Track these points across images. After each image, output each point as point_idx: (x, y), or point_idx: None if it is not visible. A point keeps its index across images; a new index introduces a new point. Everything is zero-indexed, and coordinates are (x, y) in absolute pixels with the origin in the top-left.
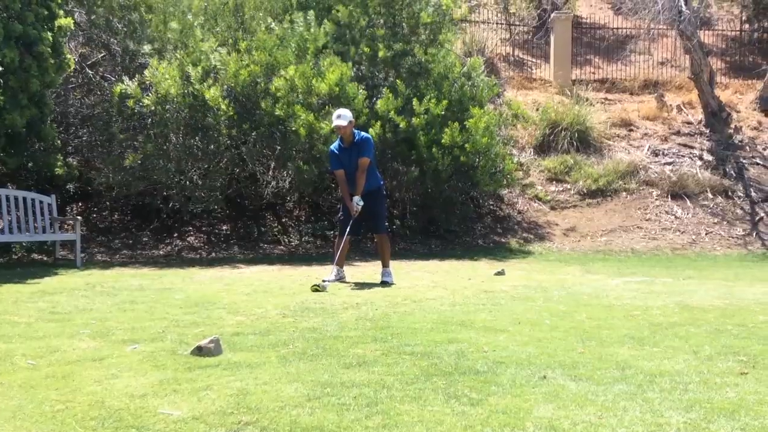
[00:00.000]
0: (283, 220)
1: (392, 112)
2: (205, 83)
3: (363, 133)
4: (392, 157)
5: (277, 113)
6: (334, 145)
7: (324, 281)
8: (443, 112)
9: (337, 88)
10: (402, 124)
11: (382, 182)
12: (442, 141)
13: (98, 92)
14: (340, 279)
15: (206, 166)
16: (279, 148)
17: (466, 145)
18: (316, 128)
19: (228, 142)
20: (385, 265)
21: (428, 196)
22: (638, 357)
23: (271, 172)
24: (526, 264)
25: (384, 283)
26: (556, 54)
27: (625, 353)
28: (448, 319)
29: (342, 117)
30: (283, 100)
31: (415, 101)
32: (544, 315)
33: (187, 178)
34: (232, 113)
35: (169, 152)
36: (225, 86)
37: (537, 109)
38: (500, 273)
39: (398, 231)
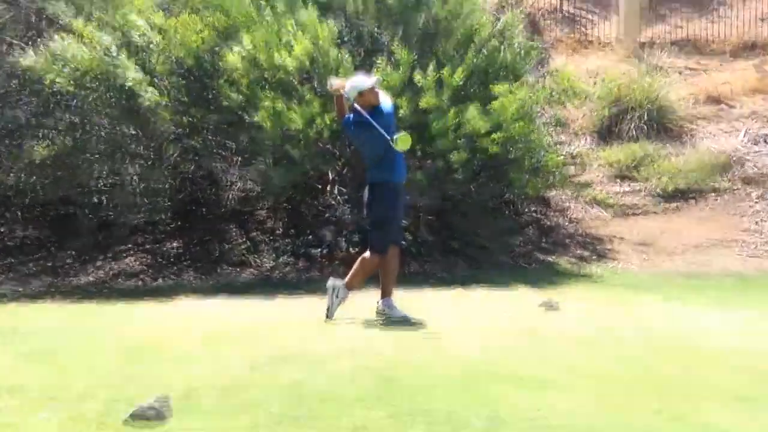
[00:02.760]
0: (253, 234)
1: (393, 86)
2: (140, 54)
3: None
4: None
5: (232, 98)
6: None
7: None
8: (461, 83)
9: (306, 60)
10: (404, 105)
11: (390, 180)
12: (461, 127)
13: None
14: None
15: (146, 162)
16: (243, 140)
17: (496, 134)
18: (286, 118)
19: (176, 130)
20: (386, 294)
21: (448, 202)
22: (746, 426)
23: (235, 170)
24: (584, 292)
25: (386, 319)
26: (623, 7)
27: (727, 419)
28: (478, 371)
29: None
30: (241, 80)
31: (417, 73)
32: (612, 364)
33: (122, 179)
34: (184, 94)
35: (96, 145)
36: (170, 57)
37: (595, 83)
38: (549, 305)
39: (409, 248)
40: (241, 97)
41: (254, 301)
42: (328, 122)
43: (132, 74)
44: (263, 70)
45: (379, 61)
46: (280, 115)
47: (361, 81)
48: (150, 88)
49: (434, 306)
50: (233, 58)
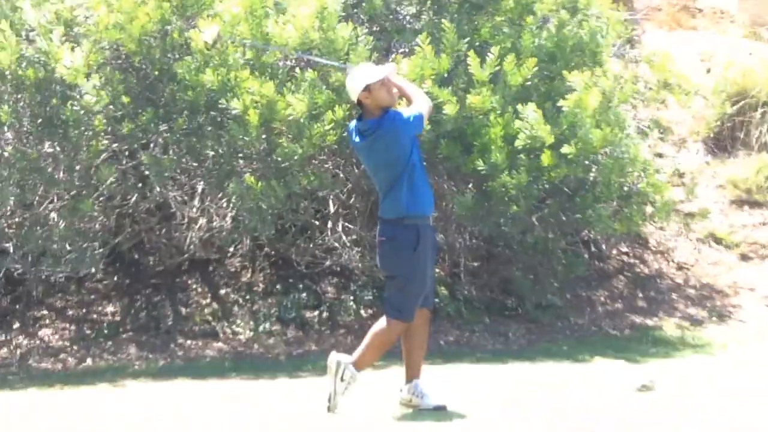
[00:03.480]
0: (222, 292)
1: (430, 80)
2: (67, 42)
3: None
4: (429, 167)
5: (205, 83)
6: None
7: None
8: (528, 81)
9: (315, 35)
10: (448, 107)
11: (412, 210)
12: (514, 137)
13: None
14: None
15: (69, 192)
16: (212, 153)
17: (569, 146)
18: (279, 110)
19: (113, 146)
20: (413, 376)
21: (500, 241)
22: None
23: (197, 201)
24: (697, 368)
25: (414, 411)
26: None
27: None
28: None
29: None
30: (215, 61)
31: (472, 56)
32: None
33: (38, 216)
34: (121, 94)
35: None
36: (105, 45)
37: (708, 70)
38: (646, 388)
39: (444, 308)
40: (213, 80)
41: (224, 387)
42: (339, 117)
43: (68, 61)
44: (243, 47)
45: (416, 42)
46: (271, 103)
47: (368, 71)
48: (91, 81)
49: (479, 390)
50: (200, 39)
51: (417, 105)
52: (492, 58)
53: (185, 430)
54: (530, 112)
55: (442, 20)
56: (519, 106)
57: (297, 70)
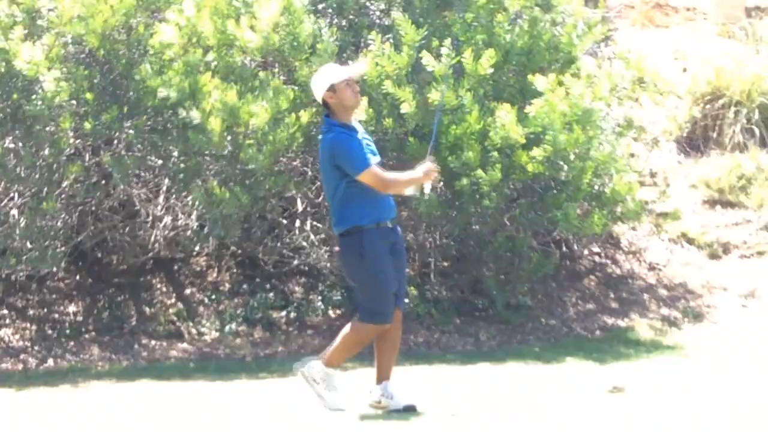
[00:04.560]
0: (188, 292)
1: (390, 79)
2: (29, 35)
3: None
4: (399, 164)
5: (161, 92)
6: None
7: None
8: (489, 72)
9: (275, 37)
10: (406, 104)
11: (350, 223)
12: (491, 136)
13: None
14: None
15: (33, 189)
16: (175, 155)
17: (539, 147)
18: (241, 116)
19: (76, 143)
20: (384, 377)
21: (470, 241)
22: None
23: (162, 199)
24: (670, 370)
25: (382, 409)
26: None
27: None
28: None
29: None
30: (176, 65)
31: (424, 54)
32: None
33: None
34: (84, 89)
35: None
36: (69, 39)
37: (685, 69)
38: (617, 390)
39: (414, 308)
40: (172, 89)
41: (189, 389)
42: (304, 122)
43: (27, 55)
44: (205, 47)
45: (371, 38)
46: (233, 110)
47: (333, 71)
48: (52, 73)
49: (449, 392)
50: (164, 33)
51: (378, 180)
52: (447, 52)
53: (141, 427)
54: (503, 113)
55: (404, 14)
56: (493, 105)
57: (260, 73)
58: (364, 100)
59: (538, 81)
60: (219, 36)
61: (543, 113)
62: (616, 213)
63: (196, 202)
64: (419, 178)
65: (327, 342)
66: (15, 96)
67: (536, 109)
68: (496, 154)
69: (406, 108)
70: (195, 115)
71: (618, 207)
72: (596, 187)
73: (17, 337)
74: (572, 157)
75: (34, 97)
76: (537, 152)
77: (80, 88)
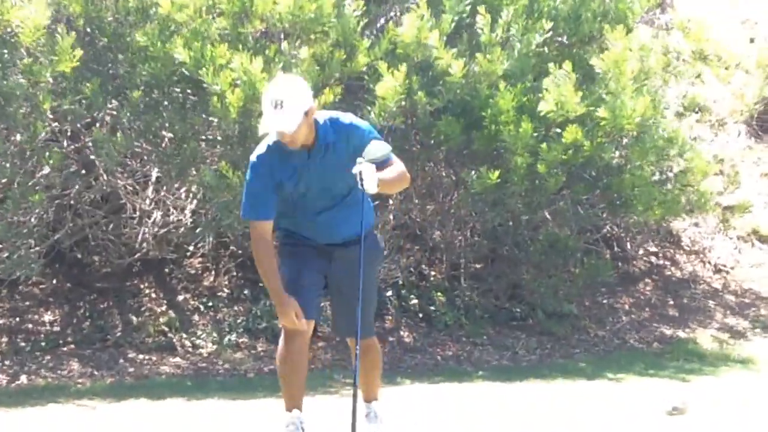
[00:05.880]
0: (181, 298)
1: (431, 36)
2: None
3: (335, 116)
4: (426, 147)
5: (174, 57)
6: (262, 153)
7: None
8: (541, 46)
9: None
10: (456, 72)
11: (375, 220)
12: (540, 109)
13: None
14: None
15: (4, 180)
16: (169, 136)
17: (602, 111)
18: (259, 91)
19: (53, 125)
20: (371, 398)
21: (506, 239)
22: None
23: (151, 191)
24: (737, 387)
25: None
26: None
27: None
28: None
29: (285, 108)
30: (185, 29)
31: (483, 13)
32: None
33: None
34: (66, 63)
35: None
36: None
37: (752, 40)
38: (677, 411)
39: (441, 317)
40: (185, 54)
41: (182, 410)
42: (329, 101)
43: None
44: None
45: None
46: (253, 84)
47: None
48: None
49: (481, 413)
50: None
51: (254, 241)
52: (505, 19)
53: None
54: (561, 74)
55: None
56: (552, 67)
57: (284, 45)
58: (402, 68)
59: (612, 38)
60: (236, 1)
61: (608, 72)
62: (681, 204)
63: (191, 194)
64: (277, 301)
65: (339, 355)
66: None
67: (605, 64)
68: (546, 131)
69: (454, 70)
70: (216, 82)
71: (683, 197)
72: (658, 172)
73: None
74: (633, 134)
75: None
76: (602, 113)
77: (63, 57)
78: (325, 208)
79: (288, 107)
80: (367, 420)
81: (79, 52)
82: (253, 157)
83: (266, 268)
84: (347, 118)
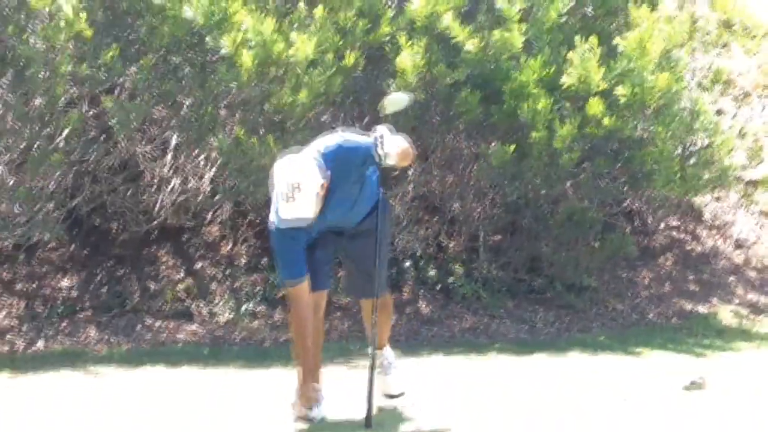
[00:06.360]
0: (199, 265)
1: (445, 16)
2: None
3: (323, 150)
4: (446, 119)
5: (186, 12)
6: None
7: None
8: (563, 16)
9: None
10: (470, 45)
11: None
12: (563, 82)
13: None
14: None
15: (23, 145)
16: (188, 101)
17: (621, 89)
18: (277, 52)
19: (72, 91)
20: (382, 345)
21: (525, 211)
22: None
23: (169, 158)
24: (757, 364)
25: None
26: None
27: None
28: None
29: (303, 191)
30: None
31: None
32: None
33: None
34: (81, 25)
35: None
36: None
37: None
38: (695, 386)
39: (459, 289)
40: (199, 13)
41: (198, 378)
42: (350, 64)
43: None
44: None
45: None
46: (267, 44)
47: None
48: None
49: (499, 386)
50: None
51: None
52: None
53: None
54: (586, 49)
55: None
56: (577, 40)
57: (300, 4)
58: (422, 42)
59: (640, 12)
60: None
61: (633, 49)
62: (703, 179)
63: (209, 162)
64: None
65: (357, 325)
66: (10, 29)
67: (629, 43)
68: (567, 104)
69: (470, 47)
70: (225, 43)
71: (706, 172)
72: (681, 147)
73: (2, 315)
74: (654, 107)
75: (28, 36)
76: (622, 90)
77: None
78: (342, 209)
79: (305, 189)
80: (383, 372)
81: (83, 16)
82: (272, 226)
83: (303, 330)
84: (332, 142)
